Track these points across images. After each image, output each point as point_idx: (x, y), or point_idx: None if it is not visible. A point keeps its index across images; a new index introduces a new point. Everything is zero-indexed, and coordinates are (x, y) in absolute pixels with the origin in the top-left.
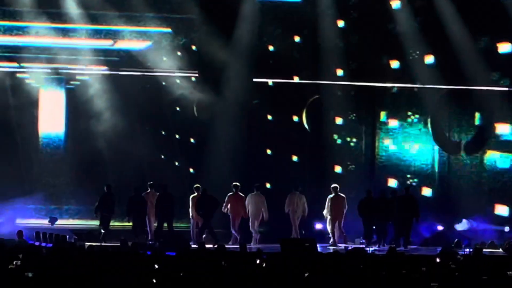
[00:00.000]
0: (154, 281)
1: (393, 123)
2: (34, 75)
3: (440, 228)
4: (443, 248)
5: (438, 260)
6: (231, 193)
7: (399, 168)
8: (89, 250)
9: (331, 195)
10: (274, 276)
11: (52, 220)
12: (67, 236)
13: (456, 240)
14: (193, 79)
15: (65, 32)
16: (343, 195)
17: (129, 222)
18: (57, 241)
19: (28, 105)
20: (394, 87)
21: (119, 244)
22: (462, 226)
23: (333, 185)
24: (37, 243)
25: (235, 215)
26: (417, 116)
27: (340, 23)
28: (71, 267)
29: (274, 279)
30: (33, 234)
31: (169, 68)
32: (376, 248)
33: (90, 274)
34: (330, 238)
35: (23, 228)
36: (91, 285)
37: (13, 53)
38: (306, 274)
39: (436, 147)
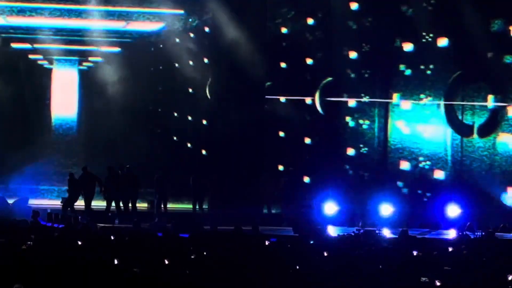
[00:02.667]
0: (167, 262)
1: (406, 105)
2: (47, 56)
3: (454, 211)
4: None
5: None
6: None
7: (412, 150)
8: (101, 232)
9: None
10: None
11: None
12: (79, 217)
13: (468, 223)
14: (206, 61)
15: (78, 14)
16: None
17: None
18: (69, 222)
19: (40, 86)
20: (407, 69)
21: (131, 226)
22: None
23: None
24: (49, 224)
25: None
26: (430, 98)
27: (354, 6)
28: (83, 248)
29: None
30: (45, 215)
31: (181, 49)
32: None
33: (103, 256)
34: None
35: (35, 209)
36: (104, 266)
37: (26, 35)
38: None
39: (449, 130)
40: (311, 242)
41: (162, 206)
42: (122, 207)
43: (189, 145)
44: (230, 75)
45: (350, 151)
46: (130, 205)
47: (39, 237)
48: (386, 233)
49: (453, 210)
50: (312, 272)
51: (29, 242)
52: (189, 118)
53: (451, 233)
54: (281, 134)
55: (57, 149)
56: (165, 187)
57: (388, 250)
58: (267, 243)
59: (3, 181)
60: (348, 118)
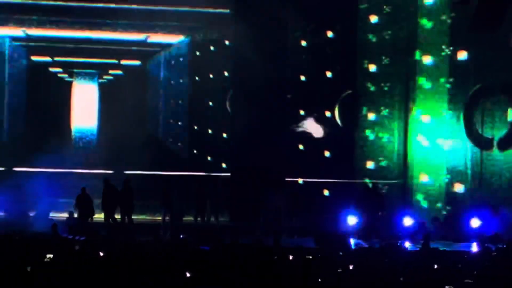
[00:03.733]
0: (188, 275)
1: (426, 118)
2: (67, 69)
3: (475, 224)
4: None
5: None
6: None
7: (432, 164)
8: (121, 244)
9: None
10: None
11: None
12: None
13: (489, 235)
14: (226, 74)
15: (99, 26)
16: None
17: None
18: (89, 234)
19: (61, 99)
20: (426, 82)
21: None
22: None
23: None
24: (70, 236)
25: None
26: (450, 112)
27: (373, 19)
28: (102, 260)
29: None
30: (65, 228)
31: (201, 62)
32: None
33: (123, 266)
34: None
35: (56, 222)
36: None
37: (46, 47)
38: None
39: (469, 143)
40: (340, 253)
41: (168, 217)
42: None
43: (209, 158)
44: (250, 87)
45: (370, 164)
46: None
47: (60, 250)
48: (407, 245)
49: (474, 223)
50: (336, 285)
51: (49, 255)
52: (209, 131)
53: (473, 246)
54: (300, 147)
55: (76, 162)
56: (171, 199)
57: (409, 263)
58: (291, 257)
59: (23, 193)
60: (367, 131)
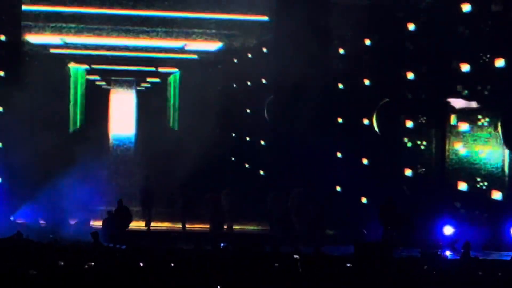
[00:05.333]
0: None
1: (464, 126)
2: (105, 76)
3: None
4: None
5: None
6: None
7: (469, 171)
8: (163, 253)
9: None
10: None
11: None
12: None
13: None
14: (264, 81)
15: (136, 34)
16: None
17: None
18: (130, 243)
19: (99, 106)
20: (464, 90)
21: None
22: None
23: None
24: (111, 245)
25: None
26: (487, 119)
27: (411, 26)
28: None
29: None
30: (105, 236)
31: (239, 69)
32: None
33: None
34: None
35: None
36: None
37: (84, 54)
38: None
39: (507, 151)
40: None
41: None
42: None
43: (247, 165)
44: (288, 95)
45: (408, 172)
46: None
47: (101, 258)
48: (448, 254)
49: None
50: None
51: (91, 263)
52: (247, 138)
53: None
54: (339, 154)
55: (115, 170)
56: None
57: (450, 272)
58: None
59: (62, 202)
60: (405, 139)
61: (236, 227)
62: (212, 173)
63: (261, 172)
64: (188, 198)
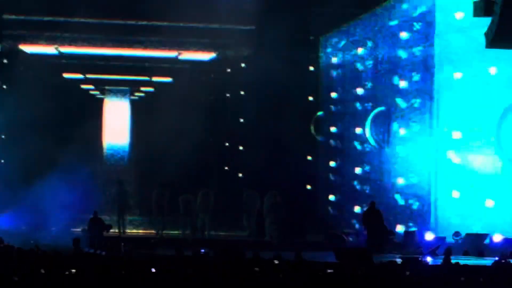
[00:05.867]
0: None
1: (457, 135)
2: (99, 86)
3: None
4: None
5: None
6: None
7: (463, 180)
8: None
9: None
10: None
11: (108, 228)
12: (122, 244)
13: None
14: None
15: (130, 43)
16: None
17: None
18: (110, 249)
19: (92, 116)
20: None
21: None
22: None
23: None
24: (91, 251)
25: None
26: (481, 128)
27: (404, 35)
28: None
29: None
30: (87, 242)
31: (232, 79)
32: None
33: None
34: None
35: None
36: None
37: (78, 64)
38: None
39: (501, 159)
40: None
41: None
42: None
43: (240, 175)
44: (281, 104)
45: (401, 181)
46: None
47: (81, 265)
48: (429, 260)
49: (496, 238)
50: None
51: (72, 270)
52: (240, 147)
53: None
54: (332, 163)
55: (108, 179)
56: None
57: (431, 277)
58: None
59: (53, 210)
60: (398, 148)
61: (213, 232)
62: (194, 176)
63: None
64: (163, 202)
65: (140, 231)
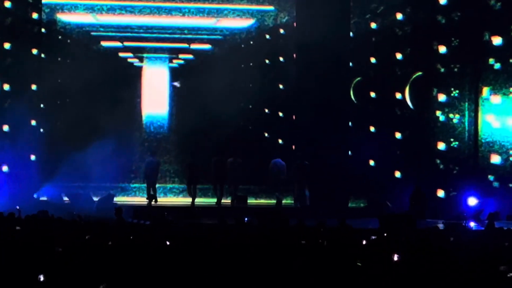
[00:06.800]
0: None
1: (496, 99)
2: (137, 54)
3: None
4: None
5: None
6: None
7: (502, 144)
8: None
9: None
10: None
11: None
12: (165, 213)
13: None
14: (295, 56)
15: (168, 11)
16: None
17: None
18: (155, 218)
19: (131, 84)
20: (496, 63)
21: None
22: None
23: None
24: (135, 221)
25: None
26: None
27: (442, 0)
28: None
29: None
30: (132, 212)
31: (271, 45)
32: None
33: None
34: None
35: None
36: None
37: (116, 32)
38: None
39: None
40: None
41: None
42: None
43: (280, 141)
44: (317, 70)
45: (441, 145)
46: None
47: (123, 235)
48: (472, 225)
49: None
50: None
51: (115, 240)
52: (280, 114)
53: None
54: (372, 129)
55: (148, 147)
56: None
57: (475, 243)
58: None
59: (95, 179)
60: (438, 112)
61: (251, 201)
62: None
63: (293, 147)
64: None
65: (180, 199)
